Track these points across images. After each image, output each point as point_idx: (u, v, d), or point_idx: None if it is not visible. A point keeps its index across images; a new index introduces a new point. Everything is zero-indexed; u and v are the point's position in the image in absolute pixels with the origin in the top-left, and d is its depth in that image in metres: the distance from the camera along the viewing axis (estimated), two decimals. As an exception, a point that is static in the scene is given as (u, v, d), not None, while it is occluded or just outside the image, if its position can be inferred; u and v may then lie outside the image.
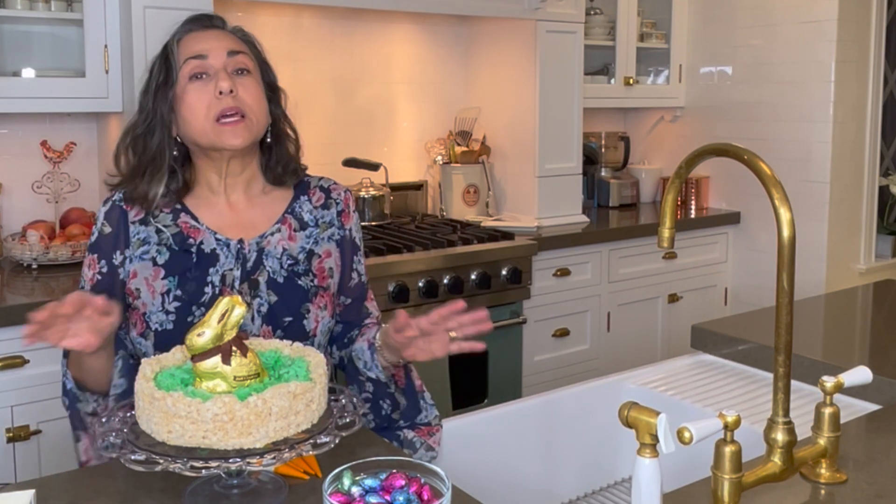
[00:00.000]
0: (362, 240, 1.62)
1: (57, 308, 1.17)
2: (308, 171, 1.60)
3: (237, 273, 1.45)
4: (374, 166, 3.14)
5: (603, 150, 3.91)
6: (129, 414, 1.13)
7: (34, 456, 2.15)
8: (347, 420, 1.13)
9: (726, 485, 1.02)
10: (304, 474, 1.17)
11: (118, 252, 1.45)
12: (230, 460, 1.02)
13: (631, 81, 3.69)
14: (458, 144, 3.39)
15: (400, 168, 3.42)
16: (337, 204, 1.56)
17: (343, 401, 1.18)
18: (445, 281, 2.74)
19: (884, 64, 3.55)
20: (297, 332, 1.44)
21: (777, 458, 1.08)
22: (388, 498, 0.92)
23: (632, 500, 0.99)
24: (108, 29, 2.45)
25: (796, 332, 1.14)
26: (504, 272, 2.88)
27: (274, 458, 1.03)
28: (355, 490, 0.93)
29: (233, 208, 1.50)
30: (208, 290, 1.43)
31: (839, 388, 1.16)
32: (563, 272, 3.13)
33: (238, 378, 1.09)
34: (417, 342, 1.36)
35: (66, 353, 1.40)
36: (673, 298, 3.53)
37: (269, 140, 1.51)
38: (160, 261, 1.44)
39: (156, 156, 1.45)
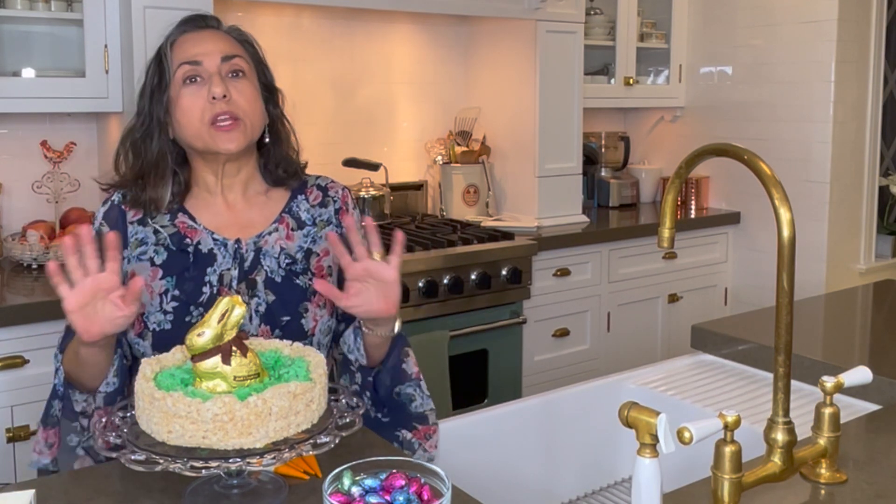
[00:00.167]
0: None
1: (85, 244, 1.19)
2: (306, 171, 1.59)
3: (234, 273, 1.45)
4: (374, 166, 3.14)
5: (603, 150, 3.91)
6: (129, 414, 1.13)
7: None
8: (347, 420, 1.13)
9: (726, 485, 1.02)
10: (304, 474, 1.17)
11: None
12: (230, 460, 1.02)
13: (631, 81, 3.69)
14: (458, 144, 3.39)
15: (400, 168, 3.42)
16: (335, 202, 1.56)
17: (343, 401, 1.18)
18: (445, 281, 2.74)
19: (884, 64, 3.55)
20: (295, 332, 1.43)
21: (777, 458, 1.08)
22: (388, 498, 0.92)
23: (632, 500, 0.99)
24: (108, 29, 2.45)
25: (796, 332, 1.14)
26: (504, 272, 2.88)
27: (274, 458, 1.03)
28: (355, 490, 0.93)
29: (230, 208, 1.50)
30: (206, 290, 1.43)
31: (839, 388, 1.16)
32: (563, 272, 3.13)
33: (238, 378, 1.09)
34: (371, 290, 1.34)
35: (62, 348, 1.39)
36: (673, 298, 3.53)
37: (266, 141, 1.51)
38: (158, 261, 1.44)
39: (158, 160, 1.46)
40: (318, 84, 3.21)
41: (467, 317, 2.84)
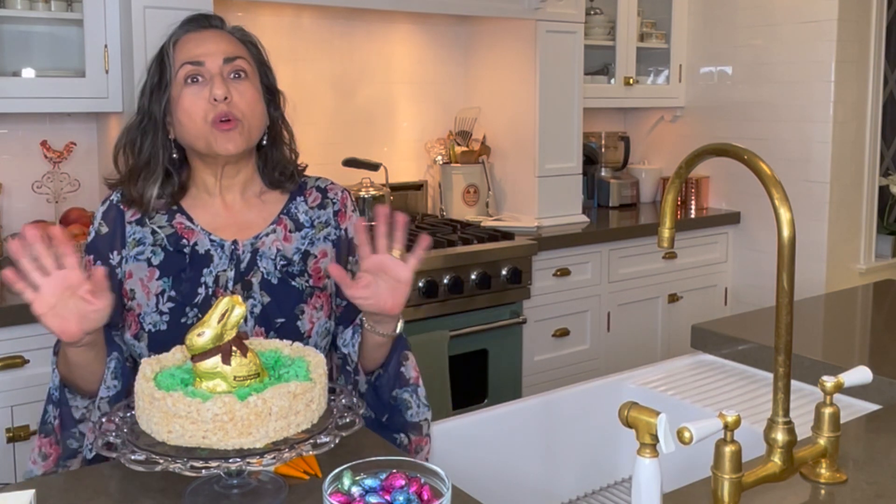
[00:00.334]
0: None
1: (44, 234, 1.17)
2: (307, 172, 1.59)
3: (231, 274, 1.44)
4: (374, 166, 3.14)
5: (603, 150, 3.91)
6: (129, 414, 1.13)
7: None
8: (347, 420, 1.13)
9: (726, 485, 1.02)
10: (304, 474, 1.17)
11: (114, 252, 1.45)
12: (230, 460, 1.02)
13: (631, 81, 3.69)
14: (458, 144, 3.39)
15: (400, 168, 3.42)
16: (333, 204, 1.55)
17: (343, 401, 1.18)
18: (445, 281, 2.74)
19: (884, 64, 3.55)
20: (290, 334, 1.42)
21: (777, 458, 1.08)
22: (388, 498, 0.92)
23: (632, 500, 0.99)
24: (108, 29, 2.45)
25: (796, 332, 1.14)
26: (504, 272, 2.88)
27: (274, 458, 1.03)
28: (355, 490, 0.93)
29: (228, 209, 1.50)
30: (202, 290, 1.43)
31: (839, 388, 1.16)
32: (563, 272, 3.13)
33: (238, 378, 1.09)
34: (382, 286, 1.33)
35: (56, 350, 1.39)
36: (673, 298, 3.53)
37: (265, 143, 1.51)
38: (155, 261, 1.44)
39: (150, 158, 1.45)
40: (318, 84, 3.21)
41: (467, 317, 2.84)
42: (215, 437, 1.03)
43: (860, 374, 1.20)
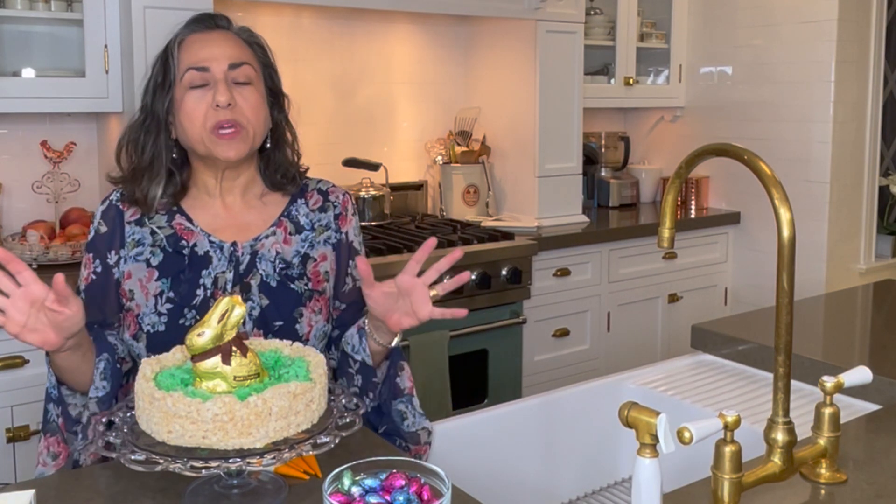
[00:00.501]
0: (362, 244, 1.59)
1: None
2: (308, 174, 1.58)
3: (229, 276, 1.44)
4: (374, 166, 3.14)
5: (603, 150, 3.91)
6: (129, 414, 1.13)
7: (34, 456, 2.14)
8: (347, 420, 1.13)
9: (726, 485, 1.02)
10: (304, 474, 1.17)
11: (113, 252, 1.44)
12: (230, 460, 1.02)
13: (631, 81, 3.69)
14: (458, 144, 3.39)
15: (400, 168, 3.42)
16: (334, 207, 1.55)
17: (343, 401, 1.18)
18: (445, 281, 2.73)
19: (884, 64, 3.55)
20: (288, 337, 1.41)
21: (777, 458, 1.08)
22: (388, 498, 0.92)
23: (632, 500, 0.99)
24: (108, 29, 2.45)
25: (796, 332, 1.14)
26: (504, 272, 2.88)
27: (274, 458, 1.03)
28: (355, 490, 0.93)
29: (228, 210, 1.49)
30: (200, 292, 1.42)
31: (839, 388, 1.16)
32: (563, 272, 3.13)
33: (238, 378, 1.09)
34: (399, 305, 1.35)
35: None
36: (673, 298, 3.53)
37: (268, 146, 1.50)
38: (154, 262, 1.43)
39: (153, 158, 1.45)
40: (318, 84, 3.21)
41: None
42: (215, 437, 1.02)
43: (860, 374, 1.20)
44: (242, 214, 1.49)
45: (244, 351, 1.11)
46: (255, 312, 1.43)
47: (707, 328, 1.88)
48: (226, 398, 1.03)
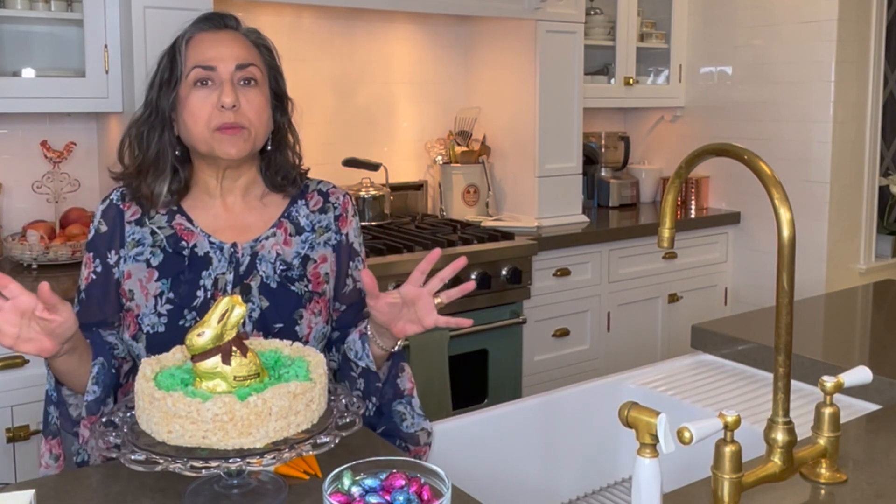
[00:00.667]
0: (362, 245, 1.59)
1: None
2: (308, 173, 1.58)
3: (230, 277, 1.44)
4: (374, 166, 3.14)
5: (603, 150, 3.91)
6: (128, 414, 1.13)
7: (34, 456, 2.15)
8: (347, 420, 1.13)
9: (726, 485, 1.02)
10: (304, 474, 1.17)
11: (112, 251, 1.44)
12: (230, 460, 1.02)
13: (631, 81, 3.69)
14: (458, 144, 3.39)
15: (400, 168, 3.42)
16: (335, 208, 1.55)
17: (343, 401, 1.18)
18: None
19: (884, 64, 3.55)
20: (287, 339, 1.41)
21: (777, 458, 1.08)
22: (388, 498, 0.92)
23: (632, 500, 0.99)
24: (108, 29, 2.45)
25: (796, 332, 1.14)
26: (504, 272, 2.88)
27: (274, 458, 1.03)
28: (355, 490, 0.93)
29: (229, 211, 1.49)
30: (200, 293, 1.42)
31: (839, 388, 1.16)
32: (563, 272, 3.13)
33: (238, 378, 1.09)
34: (404, 313, 1.35)
35: None
36: (673, 298, 3.53)
37: (269, 148, 1.50)
38: (154, 262, 1.43)
39: (159, 155, 1.45)
40: (318, 84, 3.21)
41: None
42: (215, 437, 1.03)
43: (860, 374, 1.20)
44: (243, 215, 1.49)
45: (244, 351, 1.11)
46: (255, 314, 1.43)
47: (707, 328, 1.88)
48: (226, 398, 1.03)
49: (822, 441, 1.14)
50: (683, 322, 3.47)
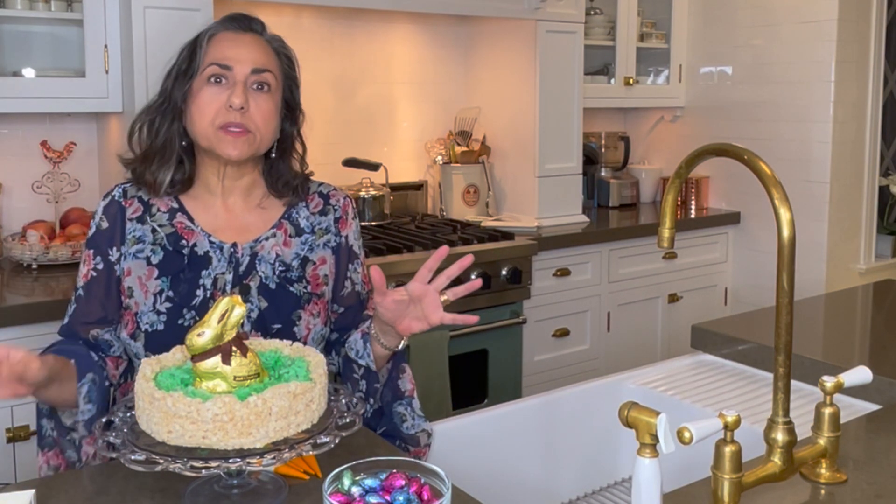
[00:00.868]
0: (362, 248, 1.60)
1: None
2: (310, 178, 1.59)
3: (229, 277, 1.44)
4: (374, 166, 3.14)
5: (603, 150, 3.91)
6: (129, 414, 1.13)
7: (34, 456, 2.14)
8: (347, 420, 1.13)
9: (726, 485, 1.02)
10: (304, 474, 1.17)
11: (114, 248, 1.45)
12: (230, 460, 1.02)
13: (631, 81, 3.69)
14: (458, 144, 3.39)
15: (400, 168, 3.42)
16: (335, 210, 1.55)
17: (343, 401, 1.18)
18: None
19: (884, 64, 3.55)
20: (286, 339, 1.42)
21: (777, 458, 1.08)
22: (388, 498, 0.92)
23: (632, 500, 0.99)
24: (108, 29, 2.44)
25: (796, 332, 1.14)
26: (504, 272, 2.87)
27: (274, 458, 1.03)
28: (355, 490, 0.93)
29: (229, 211, 1.49)
30: (199, 293, 1.42)
31: (839, 388, 1.16)
32: (563, 272, 3.13)
33: (238, 378, 1.09)
34: (410, 311, 1.35)
35: None
36: (673, 298, 3.53)
37: (273, 154, 1.51)
38: (154, 260, 1.43)
39: (166, 143, 1.46)
40: (318, 84, 3.21)
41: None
42: (215, 437, 1.03)
43: (860, 374, 1.20)
44: (243, 215, 1.50)
45: (244, 351, 1.11)
46: (254, 314, 1.43)
47: (707, 328, 1.88)
48: (226, 398, 1.03)
49: (822, 441, 1.14)
50: (683, 322, 3.47)
